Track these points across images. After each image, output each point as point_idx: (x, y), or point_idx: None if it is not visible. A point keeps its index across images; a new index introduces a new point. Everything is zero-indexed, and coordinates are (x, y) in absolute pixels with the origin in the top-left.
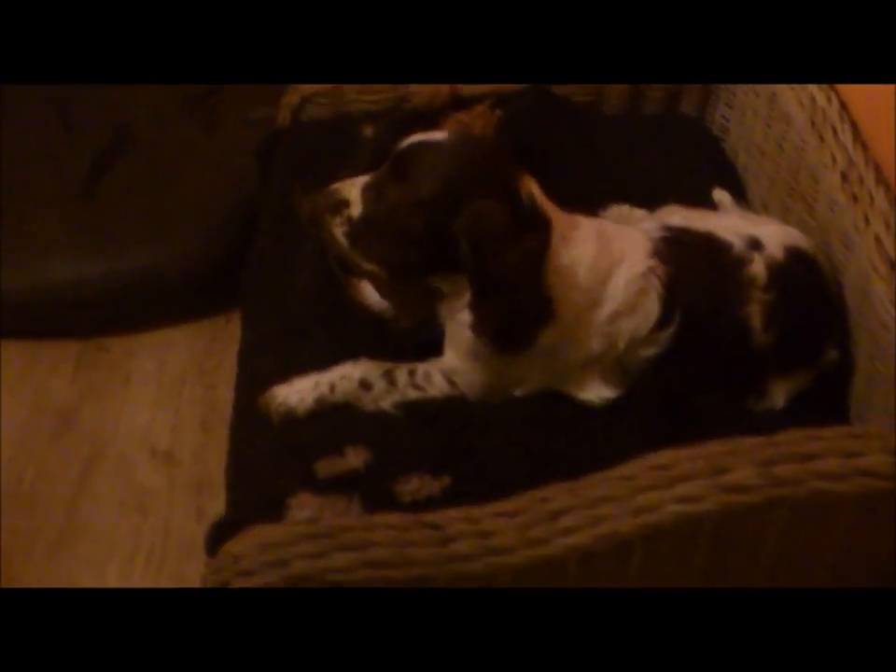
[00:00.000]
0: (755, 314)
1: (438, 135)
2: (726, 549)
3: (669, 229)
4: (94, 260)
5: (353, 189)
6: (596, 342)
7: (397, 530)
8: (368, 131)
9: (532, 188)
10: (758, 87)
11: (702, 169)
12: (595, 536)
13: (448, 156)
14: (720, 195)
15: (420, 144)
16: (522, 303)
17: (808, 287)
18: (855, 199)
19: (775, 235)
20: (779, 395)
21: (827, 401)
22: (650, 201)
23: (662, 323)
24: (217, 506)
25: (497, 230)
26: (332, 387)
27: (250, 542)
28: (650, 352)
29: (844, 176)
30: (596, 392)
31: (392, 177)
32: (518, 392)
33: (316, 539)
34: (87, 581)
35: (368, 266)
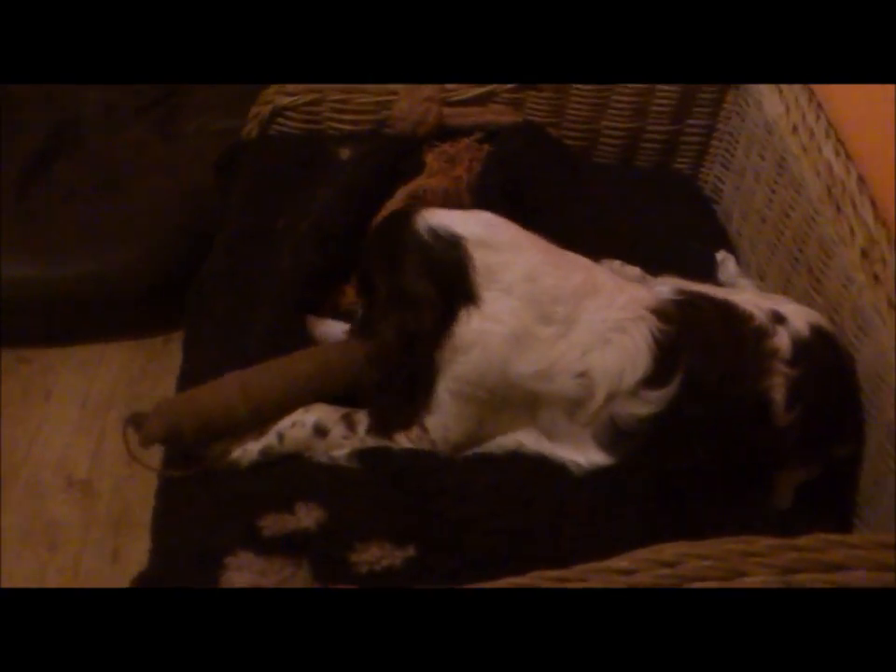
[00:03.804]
0: (778, 387)
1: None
2: None
3: (683, 292)
4: (22, 263)
5: None
6: (567, 379)
7: None
8: (345, 153)
9: (434, 216)
10: (765, 150)
11: (693, 230)
12: None
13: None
14: (724, 257)
15: None
16: (392, 379)
17: (833, 369)
18: (877, 279)
19: (798, 312)
20: (787, 489)
21: (831, 499)
22: (640, 258)
23: (655, 380)
24: (135, 548)
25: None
26: (281, 437)
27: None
28: (642, 411)
29: (864, 253)
30: (586, 454)
31: None
32: (500, 445)
33: None
34: None
35: None
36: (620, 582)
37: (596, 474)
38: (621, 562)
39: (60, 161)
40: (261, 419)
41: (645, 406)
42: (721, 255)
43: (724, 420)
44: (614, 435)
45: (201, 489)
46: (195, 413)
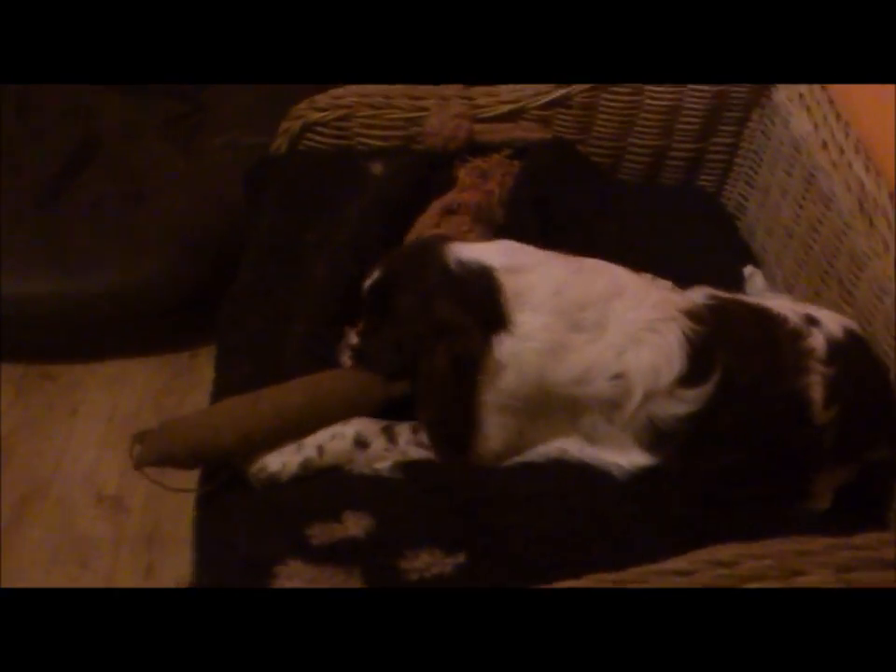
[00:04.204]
0: (815, 385)
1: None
2: None
3: (715, 297)
4: (48, 277)
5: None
6: (604, 381)
7: None
8: (376, 168)
9: (460, 248)
10: (792, 167)
11: (718, 246)
12: None
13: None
14: (751, 272)
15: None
16: (450, 410)
17: (868, 371)
18: None
19: (831, 317)
20: (826, 490)
21: (868, 503)
22: (667, 274)
23: (691, 378)
24: (169, 563)
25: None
26: (321, 449)
27: None
28: (680, 410)
29: None
30: (628, 456)
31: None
32: (542, 453)
33: None
34: None
35: None
36: (678, 583)
37: (639, 478)
38: (678, 563)
39: (82, 176)
40: (250, 448)
41: (682, 405)
42: (748, 270)
43: (763, 417)
44: (654, 436)
45: (243, 500)
46: (185, 439)
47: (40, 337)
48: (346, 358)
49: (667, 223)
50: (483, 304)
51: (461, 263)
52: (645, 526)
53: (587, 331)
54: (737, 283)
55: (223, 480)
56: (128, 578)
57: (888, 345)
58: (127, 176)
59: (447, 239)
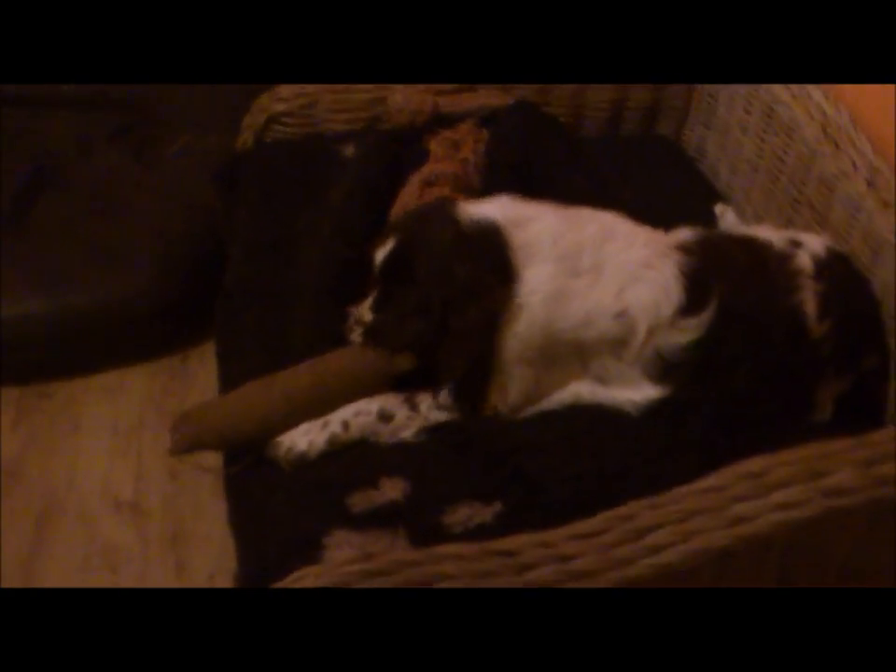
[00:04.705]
0: (808, 301)
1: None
2: (801, 554)
3: (700, 233)
4: (31, 298)
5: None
6: (608, 321)
7: (468, 561)
8: (348, 150)
9: (466, 208)
10: (750, 104)
11: (684, 189)
12: (688, 552)
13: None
14: (722, 209)
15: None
16: (479, 365)
17: (853, 284)
18: (886, 204)
19: (812, 238)
20: (827, 401)
21: (865, 409)
22: (643, 220)
23: (690, 308)
24: (197, 557)
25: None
26: (346, 425)
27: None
28: (683, 339)
29: (869, 183)
30: (640, 390)
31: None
32: (558, 400)
33: (375, 577)
34: None
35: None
36: (713, 499)
37: (653, 412)
38: (709, 480)
39: (45, 197)
40: (267, 431)
41: (685, 334)
42: (719, 207)
43: (763, 336)
44: (662, 367)
45: (278, 481)
46: (210, 424)
47: (32, 358)
48: (356, 336)
49: (633, 172)
50: (496, 260)
51: (472, 222)
52: (666, 456)
53: (586, 275)
54: (709, 222)
55: (249, 461)
56: (160, 577)
57: (867, 260)
58: (90, 191)
59: (453, 201)
